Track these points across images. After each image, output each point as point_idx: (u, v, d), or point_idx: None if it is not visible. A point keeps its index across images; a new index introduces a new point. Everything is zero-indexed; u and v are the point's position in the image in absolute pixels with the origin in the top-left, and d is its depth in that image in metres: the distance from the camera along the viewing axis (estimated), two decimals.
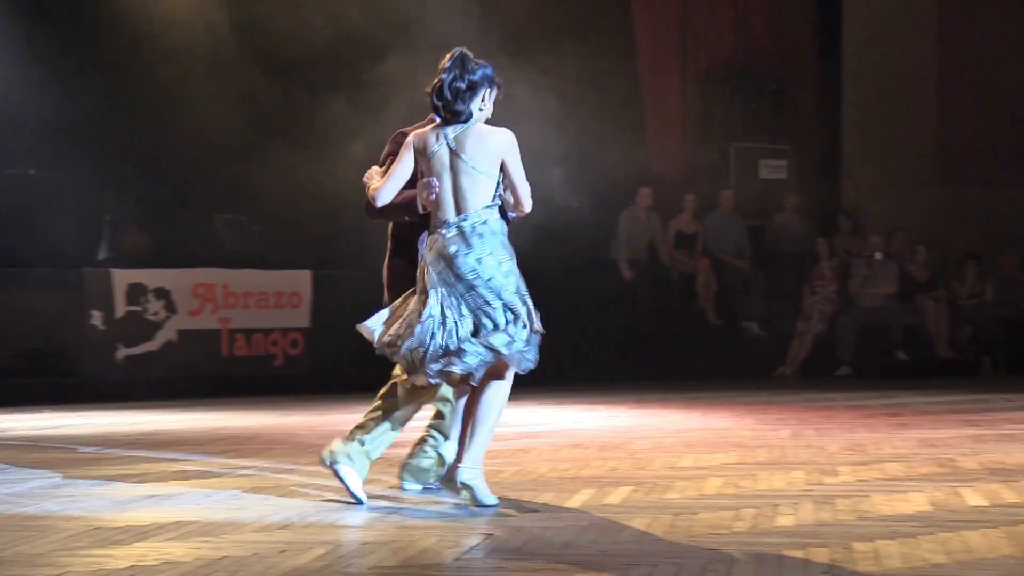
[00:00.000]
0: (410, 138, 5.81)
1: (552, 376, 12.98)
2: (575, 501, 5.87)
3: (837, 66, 16.12)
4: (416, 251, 5.87)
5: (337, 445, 5.87)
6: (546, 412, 10.44)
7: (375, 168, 6.01)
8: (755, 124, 15.25)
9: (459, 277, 5.63)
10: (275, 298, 12.61)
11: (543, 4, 13.73)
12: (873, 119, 16.32)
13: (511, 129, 5.80)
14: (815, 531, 5.10)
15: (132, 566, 4.47)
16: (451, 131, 5.70)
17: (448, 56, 5.73)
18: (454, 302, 5.64)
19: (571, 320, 13.48)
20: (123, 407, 10.77)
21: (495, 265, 5.67)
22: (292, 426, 9.48)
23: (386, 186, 5.79)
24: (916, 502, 5.73)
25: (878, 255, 15.03)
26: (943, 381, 13.33)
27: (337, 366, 12.38)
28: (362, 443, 5.89)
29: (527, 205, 5.80)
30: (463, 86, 5.67)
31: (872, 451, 7.61)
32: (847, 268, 15.14)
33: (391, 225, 6.22)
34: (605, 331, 13.67)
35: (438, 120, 5.77)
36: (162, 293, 12.05)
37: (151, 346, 11.99)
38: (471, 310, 5.66)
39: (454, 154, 5.68)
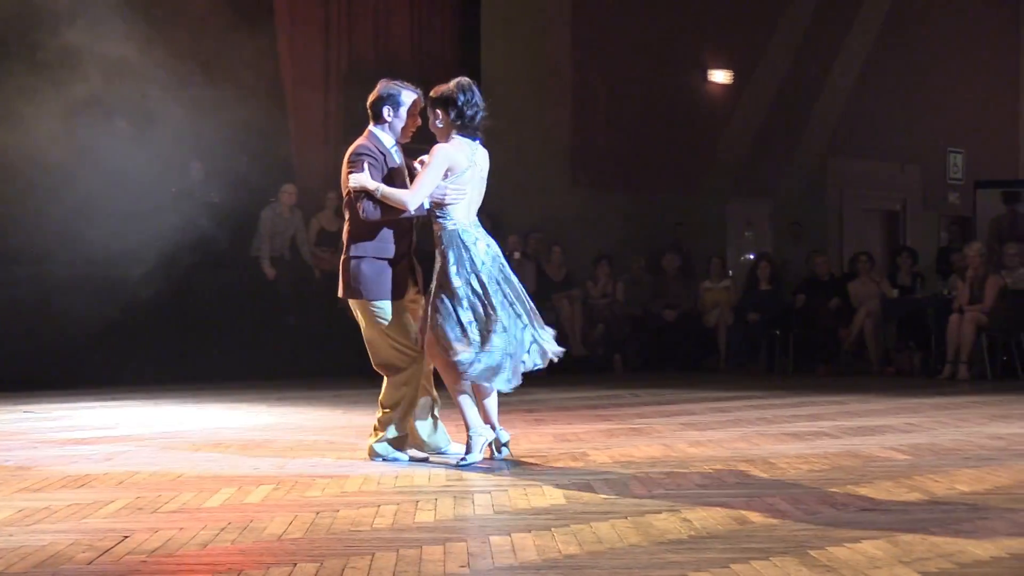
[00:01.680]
0: (447, 153, 6.76)
1: (195, 373, 12.83)
2: (215, 500, 5.78)
3: (476, 72, 16.46)
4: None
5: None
6: (186, 411, 10.24)
7: (364, 176, 6.76)
8: None
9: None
10: None
11: None
12: (511, 124, 16.68)
13: None
14: (454, 526, 5.19)
15: None
16: (475, 148, 6.88)
17: (457, 88, 6.84)
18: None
19: (213, 317, 13.29)
20: None
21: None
22: None
23: (421, 194, 6.76)
24: (551, 495, 5.90)
25: (516, 255, 15.40)
26: (577, 378, 13.79)
27: None
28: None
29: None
30: (483, 114, 6.86)
31: (510, 446, 7.78)
32: None
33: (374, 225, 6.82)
34: (247, 328, 13.50)
35: (459, 137, 6.83)
36: None
37: None
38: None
39: (477, 168, 6.86)
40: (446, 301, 6.77)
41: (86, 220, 12.00)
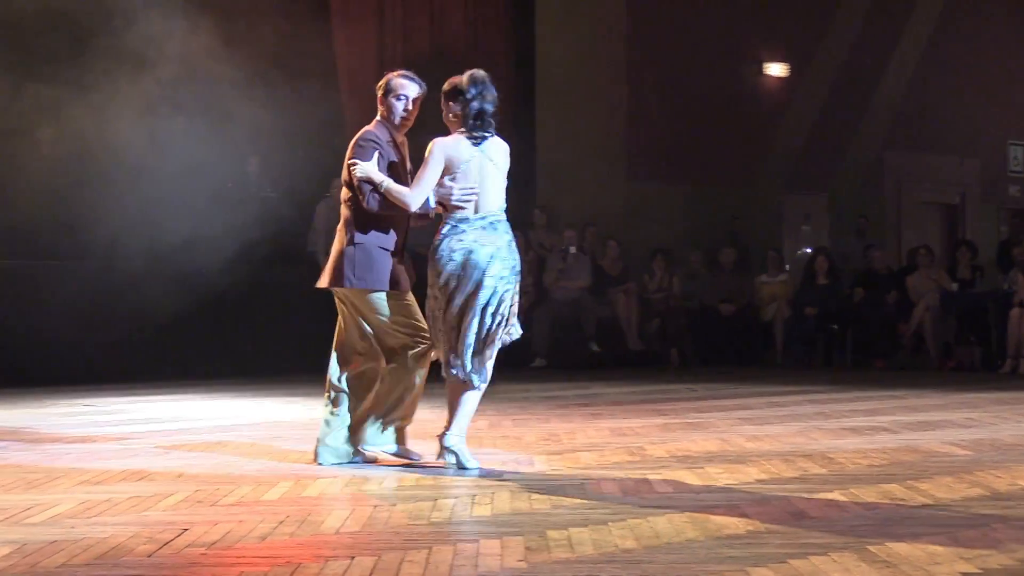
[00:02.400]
0: (442, 146, 6.63)
1: (254, 368, 12.91)
2: (273, 494, 5.82)
3: (531, 65, 16.44)
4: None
5: None
6: (244, 404, 10.31)
7: (371, 165, 6.76)
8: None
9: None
10: None
11: None
12: (565, 117, 16.69)
13: None
14: (511, 520, 5.19)
15: None
16: (483, 142, 6.61)
17: (468, 81, 6.66)
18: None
19: (272, 313, 13.36)
20: None
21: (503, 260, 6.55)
22: None
23: (422, 192, 6.62)
24: (608, 490, 5.90)
25: (572, 249, 15.40)
26: (634, 372, 13.76)
27: None
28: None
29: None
30: (491, 108, 6.63)
31: (566, 441, 7.79)
32: (542, 262, 15.45)
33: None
34: (305, 323, 13.55)
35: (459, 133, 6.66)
36: None
37: None
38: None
39: (489, 161, 6.61)
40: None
41: (151, 215, 12.13)
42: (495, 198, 6.66)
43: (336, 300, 6.92)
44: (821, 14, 18.95)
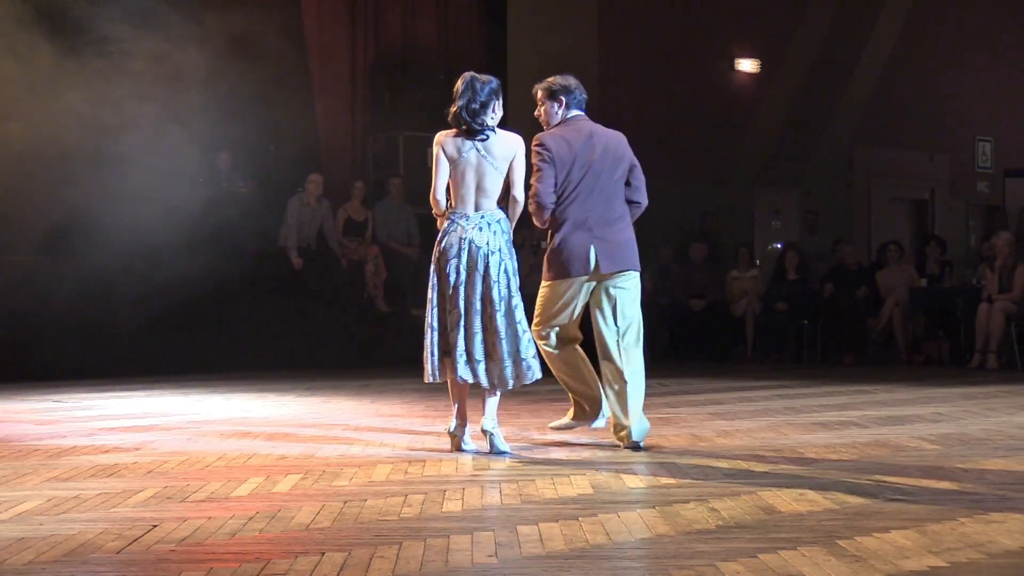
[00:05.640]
0: (435, 143, 6.86)
1: (224, 364, 12.87)
2: (243, 490, 5.80)
3: (503, 57, 16.42)
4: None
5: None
6: (214, 400, 10.28)
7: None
8: (424, 113, 15.38)
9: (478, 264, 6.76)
10: None
11: None
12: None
13: None
14: (481, 515, 5.19)
15: None
16: (478, 140, 6.81)
17: (460, 81, 6.83)
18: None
19: (240, 308, 13.32)
20: None
21: (500, 260, 6.80)
22: None
23: (435, 190, 6.85)
24: (579, 485, 5.90)
25: (543, 244, 15.33)
26: None
27: None
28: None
29: (520, 197, 6.93)
30: (477, 107, 6.78)
31: (537, 436, 7.78)
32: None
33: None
34: (275, 318, 13.54)
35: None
36: None
37: None
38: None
39: (482, 156, 6.79)
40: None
41: (115, 209, 12.06)
42: (484, 198, 6.87)
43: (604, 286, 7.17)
44: (792, 10, 19.01)
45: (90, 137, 11.90)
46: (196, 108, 12.35)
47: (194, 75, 12.23)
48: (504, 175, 6.89)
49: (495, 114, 6.92)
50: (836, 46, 19.29)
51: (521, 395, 10.53)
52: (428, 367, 6.93)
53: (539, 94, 7.32)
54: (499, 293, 6.80)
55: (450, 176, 6.87)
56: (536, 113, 7.38)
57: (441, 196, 6.86)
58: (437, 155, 6.85)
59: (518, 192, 6.92)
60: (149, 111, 12.08)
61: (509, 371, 6.84)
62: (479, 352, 6.80)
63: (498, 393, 6.96)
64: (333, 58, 15.58)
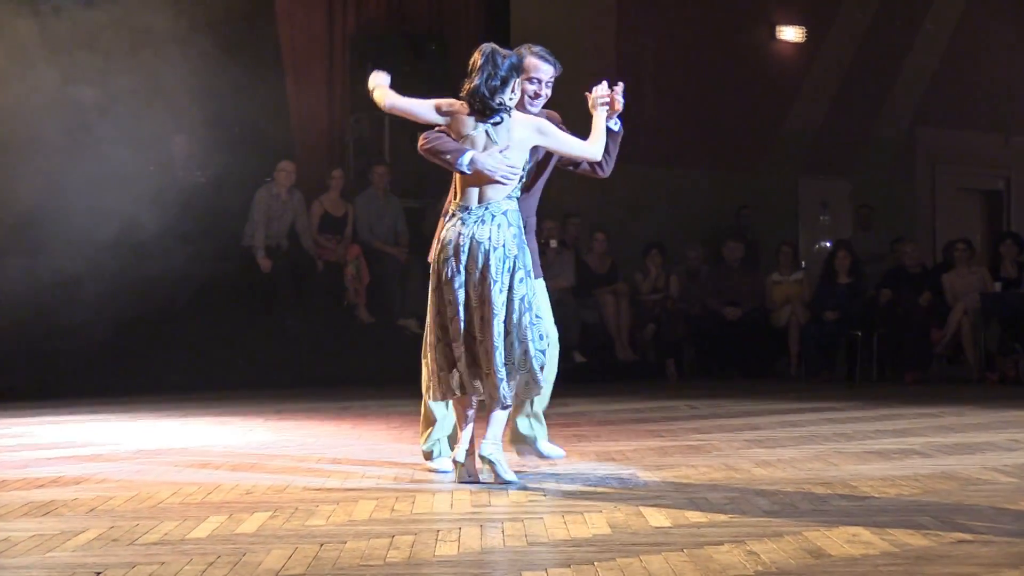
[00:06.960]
0: (452, 104, 7.01)
1: (177, 383, 12.87)
2: (202, 531, 5.79)
3: (506, 27, 16.44)
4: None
5: None
6: (169, 426, 10.28)
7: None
8: (414, 91, 15.37)
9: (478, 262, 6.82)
10: None
11: None
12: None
13: None
14: (481, 560, 5.18)
15: None
16: (490, 123, 6.92)
17: (479, 53, 6.94)
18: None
19: (199, 318, 13.32)
20: None
21: (503, 257, 6.82)
22: None
23: (398, 101, 7.20)
24: (594, 524, 5.89)
25: (553, 243, 15.37)
26: (624, 386, 13.75)
27: None
28: None
29: (598, 157, 7.51)
30: (497, 83, 6.89)
31: (545, 467, 7.78)
32: None
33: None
34: (239, 330, 13.53)
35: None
36: None
37: None
38: None
39: (491, 142, 6.91)
40: None
41: (52, 201, 12.07)
42: (489, 189, 6.99)
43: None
44: None
45: (22, 120, 11.93)
46: (148, 88, 12.35)
47: (143, 48, 12.25)
48: (521, 164, 7.01)
49: (514, 94, 7.03)
50: (894, 9, 19.29)
51: None
52: (433, 383, 6.94)
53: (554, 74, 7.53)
54: (499, 294, 6.78)
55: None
56: (546, 93, 7.49)
57: (404, 104, 7.19)
58: (438, 105, 7.08)
59: (589, 154, 7.39)
60: (92, 91, 12.10)
61: (504, 385, 6.83)
62: (481, 362, 6.83)
63: (500, 411, 6.95)
64: (307, 27, 15.59)
